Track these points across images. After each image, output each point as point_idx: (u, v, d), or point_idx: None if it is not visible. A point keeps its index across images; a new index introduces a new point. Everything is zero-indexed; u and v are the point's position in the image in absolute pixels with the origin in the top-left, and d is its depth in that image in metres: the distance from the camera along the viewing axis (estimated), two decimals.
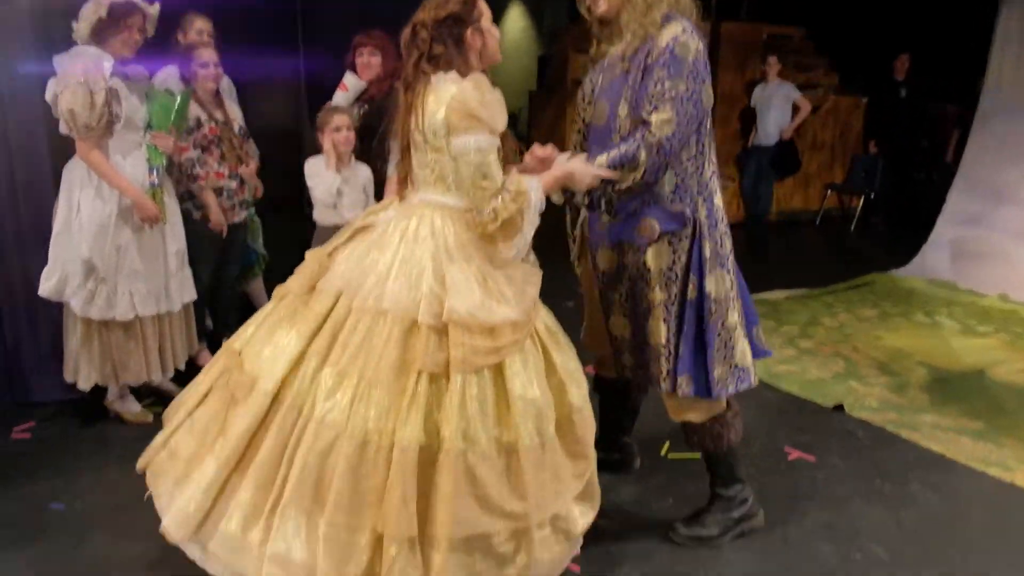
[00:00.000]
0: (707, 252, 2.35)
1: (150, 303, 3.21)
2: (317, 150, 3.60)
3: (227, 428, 2.08)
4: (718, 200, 2.42)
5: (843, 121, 8.71)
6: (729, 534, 2.60)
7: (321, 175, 3.49)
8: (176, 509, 2.08)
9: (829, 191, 8.62)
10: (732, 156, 9.16)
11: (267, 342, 2.14)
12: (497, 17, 9.00)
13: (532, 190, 2.11)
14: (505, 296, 2.08)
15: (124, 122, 3.09)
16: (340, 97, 3.79)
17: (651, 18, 2.28)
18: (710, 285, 2.36)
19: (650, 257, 2.36)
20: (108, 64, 3.00)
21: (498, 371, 2.05)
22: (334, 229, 3.56)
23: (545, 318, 2.26)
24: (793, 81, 8.15)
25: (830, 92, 8.85)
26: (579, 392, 2.22)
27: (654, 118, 2.21)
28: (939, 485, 3.04)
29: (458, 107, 2.04)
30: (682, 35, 2.24)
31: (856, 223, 8.22)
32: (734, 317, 2.42)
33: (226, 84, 3.92)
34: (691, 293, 2.36)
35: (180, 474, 2.11)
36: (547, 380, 2.15)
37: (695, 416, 2.51)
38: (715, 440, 2.53)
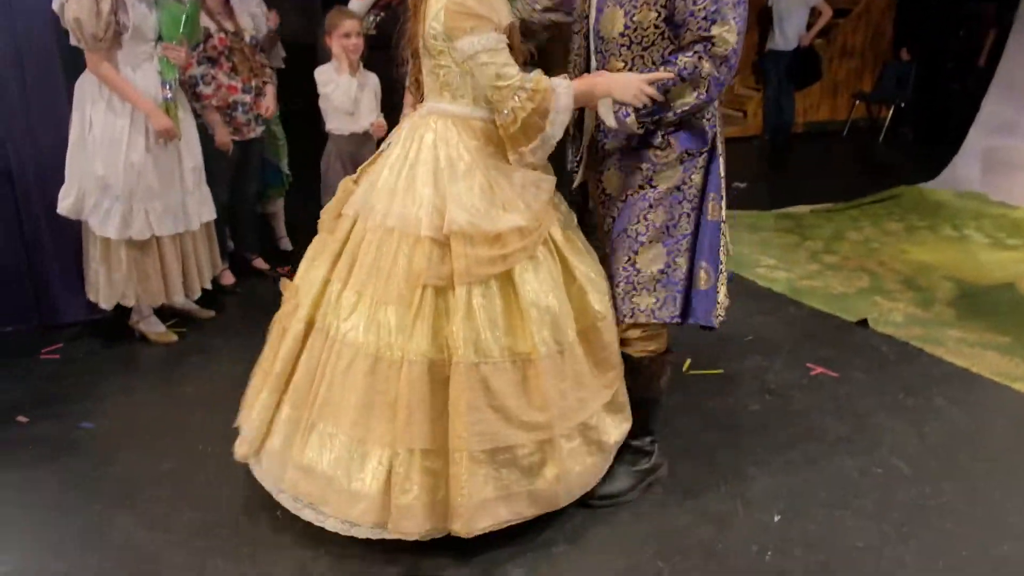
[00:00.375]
0: (722, 170, 2.23)
1: (167, 222, 3.18)
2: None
3: (277, 356, 2.17)
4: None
5: (875, 25, 8.33)
6: (638, 487, 2.42)
7: (336, 81, 3.42)
8: (244, 432, 2.25)
9: (857, 101, 8.34)
10: (754, 65, 8.84)
11: (306, 272, 2.22)
12: None
13: (558, 88, 1.98)
14: (512, 203, 2.03)
15: (132, 32, 3.00)
16: (355, 4, 3.66)
17: None
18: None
19: (662, 176, 2.19)
20: None
21: (507, 279, 2.02)
22: (350, 138, 3.52)
23: (563, 223, 2.20)
24: None
25: None
26: (601, 299, 2.17)
27: (715, 30, 2.00)
28: (963, 399, 3.02)
29: (455, 7, 1.95)
30: None
31: (885, 134, 7.98)
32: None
33: None
34: (712, 213, 2.21)
35: (249, 403, 2.26)
36: (566, 288, 2.11)
37: (655, 346, 2.31)
38: (651, 379, 2.36)
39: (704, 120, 2.18)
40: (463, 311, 1.96)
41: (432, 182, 2.02)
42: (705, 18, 2.00)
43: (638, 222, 2.19)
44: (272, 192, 4.22)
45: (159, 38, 3.11)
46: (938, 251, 4.67)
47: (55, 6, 2.94)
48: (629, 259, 2.21)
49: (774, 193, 5.74)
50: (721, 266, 2.27)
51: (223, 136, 3.51)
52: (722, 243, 2.27)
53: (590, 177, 2.37)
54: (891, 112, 8.01)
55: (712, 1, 1.99)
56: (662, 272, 2.20)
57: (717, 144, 2.22)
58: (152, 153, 3.10)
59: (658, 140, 2.16)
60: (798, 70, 7.19)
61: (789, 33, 7.08)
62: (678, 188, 2.18)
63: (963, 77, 7.21)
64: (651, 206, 2.18)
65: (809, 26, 6.98)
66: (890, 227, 5.08)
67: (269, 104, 3.71)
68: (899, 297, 3.98)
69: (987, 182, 5.66)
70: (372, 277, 2.02)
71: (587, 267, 2.19)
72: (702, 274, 2.20)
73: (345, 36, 3.37)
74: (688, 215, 2.20)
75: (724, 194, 2.25)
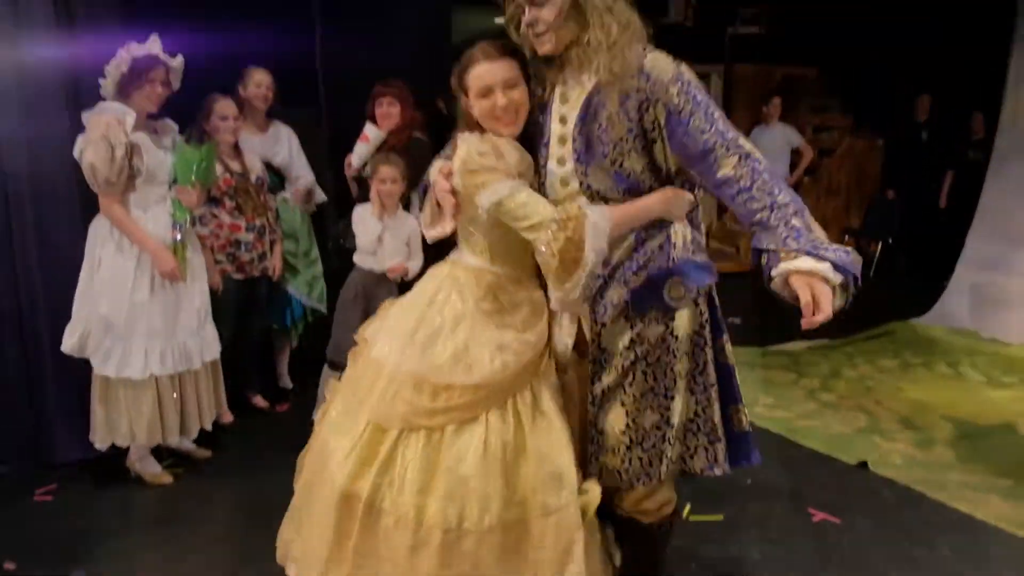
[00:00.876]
0: (718, 303, 2.14)
1: (167, 361, 3.20)
2: (342, 198, 3.68)
3: None
4: None
5: (859, 164, 8.70)
6: None
7: (365, 222, 3.59)
8: None
9: (847, 236, 8.58)
10: None
11: None
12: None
13: (591, 214, 1.89)
14: (479, 363, 1.97)
15: (146, 175, 3.13)
16: (361, 148, 3.84)
17: (619, 51, 1.95)
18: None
19: (681, 322, 2.04)
20: (130, 119, 3.05)
21: (440, 437, 1.94)
22: (369, 273, 3.62)
23: (547, 390, 2.06)
24: (808, 123, 8.16)
25: (846, 134, 8.87)
26: (557, 492, 1.94)
27: (746, 145, 1.98)
28: (969, 549, 2.97)
29: (462, 169, 2.00)
30: (675, 66, 1.98)
31: (875, 269, 8.16)
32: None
33: (285, 133, 4.05)
34: (726, 356, 2.11)
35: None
36: (513, 463, 1.94)
37: (666, 505, 2.18)
38: (663, 538, 2.21)
39: (702, 249, 2.10)
40: (386, 454, 1.94)
41: (415, 319, 2.06)
42: (722, 144, 1.94)
43: (665, 376, 2.04)
44: (291, 328, 4.22)
45: (173, 181, 3.25)
46: (934, 389, 4.69)
47: (75, 152, 3.08)
48: (661, 415, 2.04)
49: (769, 329, 5.82)
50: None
51: (213, 277, 3.58)
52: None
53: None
54: (879, 247, 8.23)
55: (715, 120, 1.96)
56: (691, 422, 2.08)
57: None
58: (156, 293, 3.17)
59: (668, 280, 2.01)
60: None
61: (776, 172, 7.39)
62: (697, 332, 2.06)
63: (947, 213, 7.42)
64: (675, 355, 2.04)
65: (793, 167, 7.28)
66: (885, 364, 5.13)
67: (276, 264, 3.83)
68: (898, 437, 3.98)
69: (977, 319, 5.76)
70: (350, 401, 2.09)
71: (549, 444, 1.99)
72: (742, 417, 2.15)
73: (381, 182, 3.53)
74: (708, 359, 2.07)
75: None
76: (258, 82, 3.90)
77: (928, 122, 7.77)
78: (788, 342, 5.48)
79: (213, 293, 3.54)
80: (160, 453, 3.43)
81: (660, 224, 2.01)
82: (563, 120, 2.02)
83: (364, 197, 3.75)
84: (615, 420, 2.04)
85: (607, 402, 2.05)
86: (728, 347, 2.14)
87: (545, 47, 1.98)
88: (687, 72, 1.97)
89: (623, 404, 2.04)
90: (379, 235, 3.54)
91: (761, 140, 7.55)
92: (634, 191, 1.99)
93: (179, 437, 3.36)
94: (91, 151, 2.99)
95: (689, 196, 2.02)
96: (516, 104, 2.01)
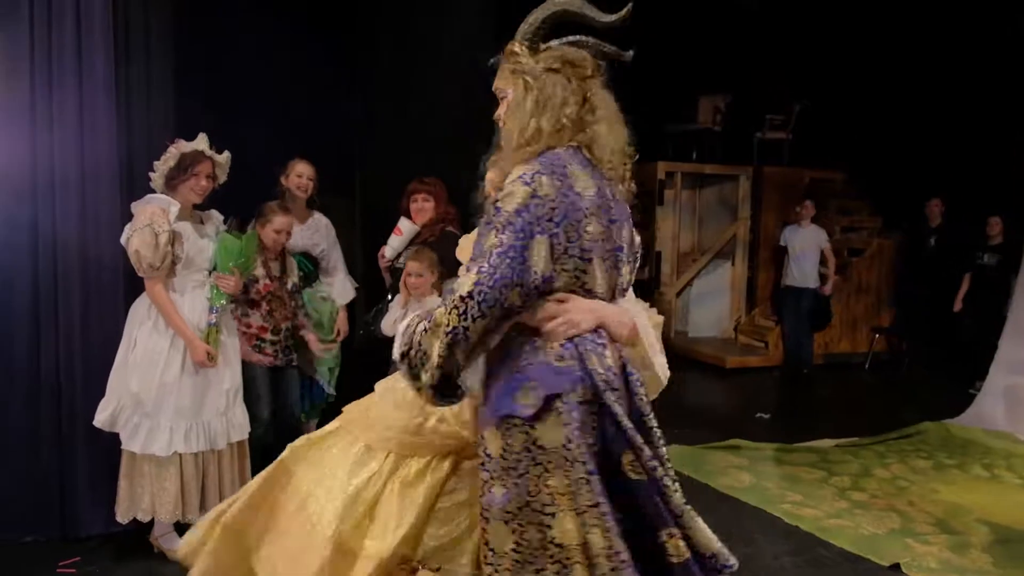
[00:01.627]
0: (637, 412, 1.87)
1: (191, 440, 3.25)
2: (372, 287, 3.81)
3: None
4: None
5: (888, 263, 8.73)
6: None
7: (391, 308, 3.74)
8: None
9: (877, 335, 8.52)
10: (768, 296, 9.21)
11: None
12: None
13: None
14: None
15: (185, 262, 3.27)
16: (394, 241, 3.97)
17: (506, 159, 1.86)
18: None
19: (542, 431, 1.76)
20: (174, 209, 3.22)
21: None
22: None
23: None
24: (836, 224, 8.26)
25: (874, 235, 8.94)
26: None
27: (458, 291, 1.75)
28: None
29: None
30: (510, 199, 1.74)
31: (907, 367, 8.06)
32: None
33: (324, 224, 4.22)
34: (643, 472, 1.77)
35: None
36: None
37: None
38: None
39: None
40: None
41: None
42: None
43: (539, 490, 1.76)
44: (311, 410, 4.29)
45: (213, 267, 3.38)
46: (970, 492, 4.57)
47: (122, 239, 3.25)
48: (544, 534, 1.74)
49: (797, 426, 5.75)
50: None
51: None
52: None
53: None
54: (910, 346, 8.15)
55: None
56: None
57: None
58: (186, 373, 3.26)
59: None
60: (812, 314, 7.64)
61: (806, 270, 7.52)
62: (564, 445, 1.75)
63: (974, 314, 7.35)
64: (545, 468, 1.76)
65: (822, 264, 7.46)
66: (918, 464, 5.01)
67: (311, 341, 3.93)
68: (932, 540, 3.85)
69: (1013, 421, 5.63)
70: None
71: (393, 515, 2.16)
72: (678, 543, 1.75)
73: (408, 274, 3.68)
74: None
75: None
76: (299, 172, 4.07)
77: (940, 226, 7.79)
78: (817, 439, 5.39)
79: (256, 374, 3.62)
80: (183, 530, 3.43)
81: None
82: None
83: (397, 288, 3.89)
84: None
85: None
86: (647, 462, 1.75)
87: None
88: (509, 208, 1.73)
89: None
90: (394, 320, 3.62)
91: (794, 239, 7.70)
92: None
93: (199, 515, 3.37)
94: (137, 238, 3.16)
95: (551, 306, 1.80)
96: None
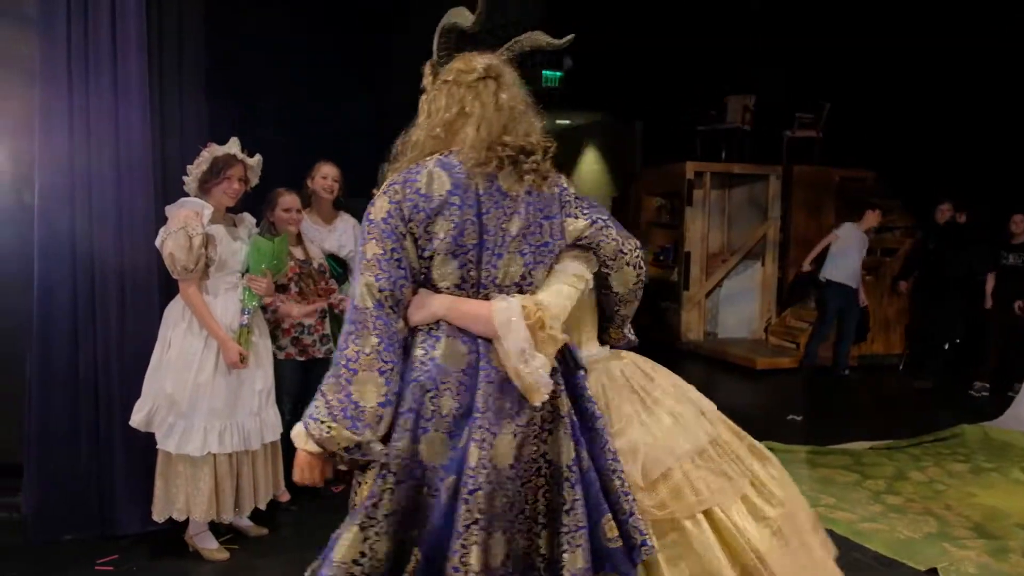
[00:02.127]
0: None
1: (225, 441, 3.29)
2: None
3: None
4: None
5: None
6: None
7: None
8: None
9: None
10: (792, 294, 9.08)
11: None
12: (573, 160, 9.50)
13: None
14: None
15: (218, 264, 3.32)
16: None
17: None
18: None
19: None
20: (207, 212, 3.27)
21: None
22: None
23: None
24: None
25: (907, 234, 8.81)
26: None
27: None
28: None
29: None
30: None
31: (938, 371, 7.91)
32: None
33: (351, 225, 4.23)
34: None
35: None
36: None
37: None
38: None
39: None
40: None
41: None
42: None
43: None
44: None
45: (246, 269, 3.43)
46: (1009, 496, 4.47)
47: (157, 243, 3.30)
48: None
49: (829, 427, 5.67)
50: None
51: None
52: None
53: None
54: (947, 347, 7.99)
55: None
56: None
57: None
58: (220, 374, 3.30)
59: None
60: (854, 318, 7.55)
61: (852, 269, 7.42)
62: None
63: (1000, 315, 7.17)
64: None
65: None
66: (955, 468, 4.92)
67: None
68: (970, 545, 3.78)
69: None
70: None
71: None
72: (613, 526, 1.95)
73: None
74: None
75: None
76: (324, 174, 4.11)
77: (944, 228, 7.55)
78: (850, 441, 5.32)
79: (285, 372, 3.64)
80: (218, 529, 3.49)
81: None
82: None
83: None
84: None
85: None
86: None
87: None
88: (370, 217, 1.89)
89: None
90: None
91: (850, 238, 7.54)
92: None
93: (234, 514, 3.42)
94: (171, 241, 3.20)
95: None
96: None
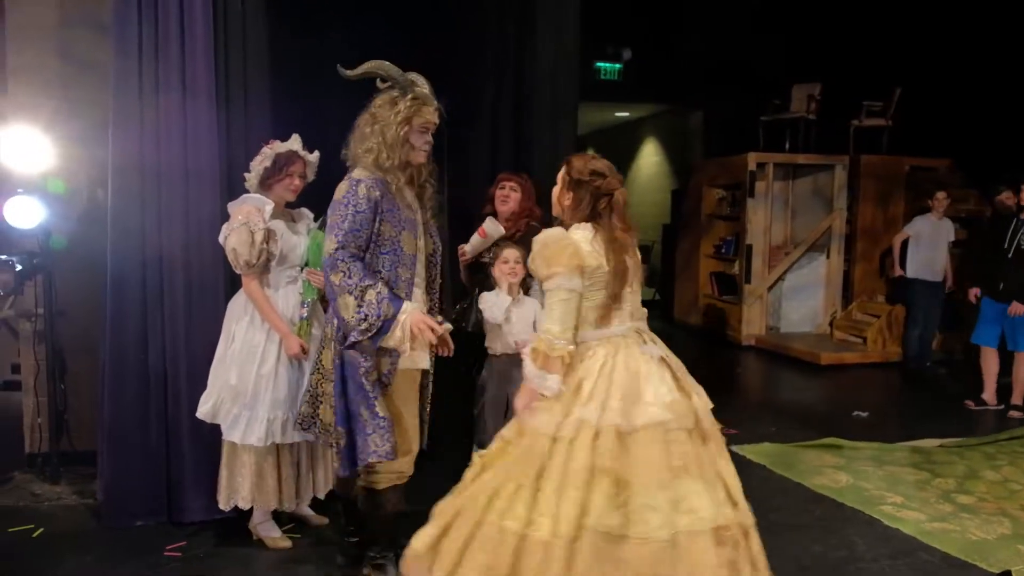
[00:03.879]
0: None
1: (288, 431, 3.36)
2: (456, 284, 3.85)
3: None
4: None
5: None
6: None
7: (493, 299, 3.66)
8: None
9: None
10: (874, 291, 8.80)
11: None
12: (632, 152, 9.38)
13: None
14: None
15: (279, 258, 3.39)
16: (476, 240, 3.93)
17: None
18: None
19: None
20: (268, 208, 3.33)
21: None
22: (504, 358, 3.70)
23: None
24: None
25: (985, 224, 8.43)
26: None
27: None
28: None
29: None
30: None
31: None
32: None
33: None
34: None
35: None
36: None
37: None
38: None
39: None
40: None
41: None
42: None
43: None
44: None
45: (306, 263, 3.50)
46: None
47: (220, 238, 3.39)
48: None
49: (898, 424, 5.50)
50: None
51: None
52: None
53: None
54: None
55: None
56: None
57: None
58: (282, 366, 3.37)
59: None
60: (943, 311, 7.36)
61: (939, 264, 7.22)
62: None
63: None
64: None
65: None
66: None
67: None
68: None
69: None
70: None
71: None
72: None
73: (504, 262, 3.68)
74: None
75: None
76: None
77: (989, 217, 7.28)
78: (918, 439, 5.15)
79: None
80: (280, 518, 3.58)
81: None
82: None
83: (473, 285, 3.94)
84: None
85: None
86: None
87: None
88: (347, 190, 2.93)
89: None
90: (507, 308, 3.62)
91: (925, 230, 7.32)
92: None
93: (294, 504, 3.51)
94: (234, 237, 3.29)
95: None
96: None
